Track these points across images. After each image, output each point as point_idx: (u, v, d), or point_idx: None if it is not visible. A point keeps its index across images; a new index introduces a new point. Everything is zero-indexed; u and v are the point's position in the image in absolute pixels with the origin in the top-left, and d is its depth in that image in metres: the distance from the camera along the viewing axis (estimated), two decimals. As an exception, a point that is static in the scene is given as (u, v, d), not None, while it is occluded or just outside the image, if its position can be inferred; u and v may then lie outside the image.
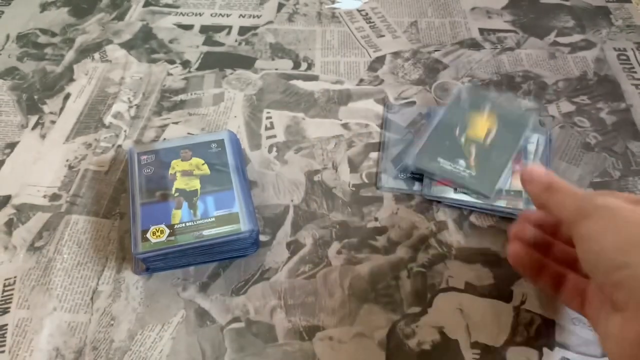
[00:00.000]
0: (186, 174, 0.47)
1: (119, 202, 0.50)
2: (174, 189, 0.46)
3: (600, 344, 0.39)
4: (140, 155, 0.48)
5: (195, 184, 0.46)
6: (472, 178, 0.48)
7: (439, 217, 0.48)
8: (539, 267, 0.38)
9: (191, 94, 0.60)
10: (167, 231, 0.43)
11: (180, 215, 0.44)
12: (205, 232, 0.42)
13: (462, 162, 0.49)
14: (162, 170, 0.47)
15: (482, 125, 0.52)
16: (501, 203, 0.47)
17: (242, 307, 0.43)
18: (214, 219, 0.43)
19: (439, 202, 0.49)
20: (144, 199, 0.45)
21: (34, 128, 0.57)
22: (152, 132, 0.56)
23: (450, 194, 0.49)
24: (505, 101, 0.55)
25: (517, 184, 0.48)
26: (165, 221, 0.43)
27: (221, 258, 0.45)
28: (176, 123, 0.57)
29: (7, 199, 0.51)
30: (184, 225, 0.43)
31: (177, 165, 0.47)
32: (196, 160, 0.48)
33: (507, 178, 0.48)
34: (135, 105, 0.59)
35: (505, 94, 0.59)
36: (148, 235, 0.42)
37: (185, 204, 0.44)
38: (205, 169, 0.47)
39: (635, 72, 0.61)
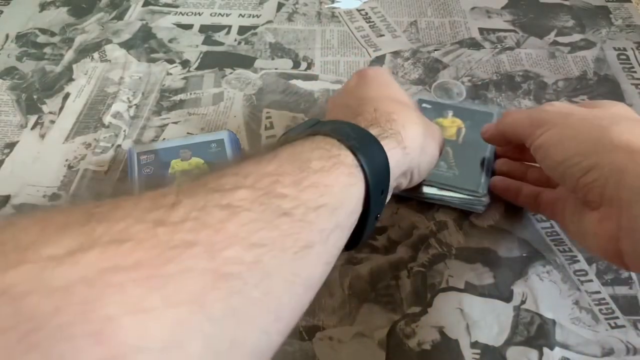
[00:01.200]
0: (187, 174, 0.48)
1: (118, 202, 0.50)
2: None
3: (577, 243, 0.44)
4: (140, 155, 0.49)
5: None
6: (457, 177, 0.48)
7: (439, 217, 0.48)
8: (517, 191, 0.44)
9: (190, 94, 0.60)
10: None
11: None
12: None
13: (442, 163, 0.49)
14: (162, 170, 0.47)
15: (451, 127, 0.52)
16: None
17: (242, 307, 0.43)
18: None
19: (409, 199, 0.49)
20: None
21: (33, 128, 0.57)
22: (151, 131, 0.56)
23: (424, 189, 0.48)
24: (465, 104, 0.55)
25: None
26: None
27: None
28: (175, 123, 0.57)
29: (7, 199, 0.51)
30: None
31: (176, 165, 0.48)
32: (196, 161, 0.48)
33: (488, 172, 0.49)
34: (135, 105, 0.59)
35: (463, 100, 0.59)
36: None
37: None
38: (206, 169, 0.48)
39: (635, 72, 0.61)
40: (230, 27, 0.69)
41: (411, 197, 0.49)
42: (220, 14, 0.71)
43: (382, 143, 0.31)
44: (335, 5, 0.72)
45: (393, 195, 0.50)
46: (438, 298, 0.43)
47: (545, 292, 0.43)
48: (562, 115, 0.32)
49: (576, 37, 0.66)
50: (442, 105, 0.55)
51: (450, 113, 0.54)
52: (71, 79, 0.62)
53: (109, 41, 0.67)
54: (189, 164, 0.48)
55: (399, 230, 0.48)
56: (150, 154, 0.49)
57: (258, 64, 0.63)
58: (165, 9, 0.71)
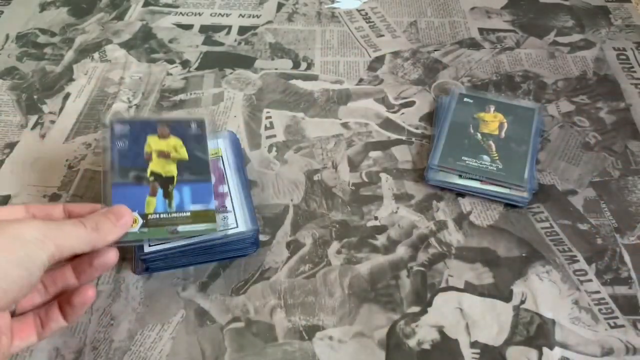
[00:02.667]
0: (163, 155, 0.43)
1: (118, 202, 0.50)
2: (149, 172, 0.42)
3: None
4: (114, 125, 0.43)
5: (172, 170, 0.42)
6: (500, 171, 0.49)
7: (438, 217, 0.48)
8: None
9: (191, 94, 0.60)
10: (141, 221, 0.39)
11: (154, 204, 0.40)
12: (180, 228, 0.40)
13: (485, 157, 0.50)
14: (137, 146, 0.42)
15: (493, 122, 0.53)
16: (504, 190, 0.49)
17: (242, 306, 0.43)
18: (189, 214, 0.41)
19: (442, 188, 0.50)
20: (117, 179, 0.41)
21: (33, 128, 0.57)
22: (151, 131, 0.56)
23: (455, 180, 0.49)
24: (504, 99, 0.56)
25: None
26: (138, 208, 0.40)
27: (221, 258, 0.45)
28: (176, 123, 0.57)
29: (7, 198, 0.51)
30: (157, 216, 0.40)
31: (153, 142, 0.43)
32: (174, 141, 0.43)
33: (533, 167, 0.50)
34: (135, 105, 0.59)
35: (503, 93, 0.59)
36: None
37: (160, 192, 0.41)
38: (184, 153, 0.43)
39: (635, 72, 0.62)
40: (230, 27, 0.69)
41: (451, 189, 0.50)
42: (220, 14, 0.71)
43: None
44: (335, 5, 0.72)
45: (393, 194, 0.50)
46: (438, 298, 0.43)
47: (544, 291, 0.43)
48: None
49: (576, 37, 0.66)
50: (484, 100, 0.56)
51: (492, 108, 0.54)
52: (71, 79, 0.62)
53: (109, 41, 0.67)
54: (167, 143, 0.43)
55: (398, 229, 0.48)
56: (125, 125, 0.43)
57: (258, 64, 0.63)
58: (166, 9, 0.71)
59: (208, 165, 0.43)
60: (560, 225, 0.48)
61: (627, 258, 0.45)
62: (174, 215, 0.40)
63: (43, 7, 0.72)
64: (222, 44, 0.66)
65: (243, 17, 0.70)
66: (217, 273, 0.45)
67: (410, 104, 0.58)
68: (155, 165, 0.42)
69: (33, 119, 0.58)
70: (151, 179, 0.41)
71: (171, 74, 0.62)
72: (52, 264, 0.29)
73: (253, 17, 0.70)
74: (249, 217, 0.44)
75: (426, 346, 0.41)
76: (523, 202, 0.48)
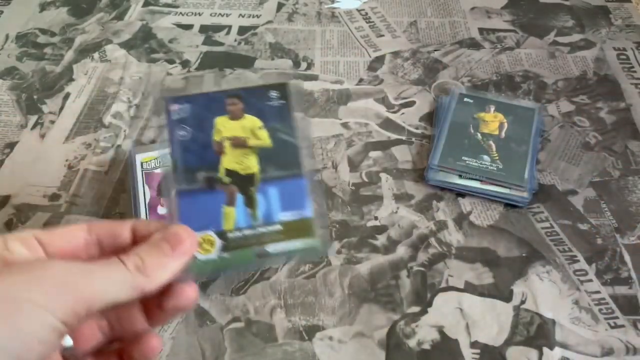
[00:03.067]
0: (238, 143, 0.30)
1: (118, 202, 0.50)
2: (222, 170, 0.30)
3: None
4: (169, 103, 0.31)
5: (252, 164, 0.30)
6: (500, 171, 0.49)
7: (438, 217, 0.48)
8: None
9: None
10: (218, 242, 0.28)
11: (234, 216, 0.29)
12: (271, 249, 0.28)
13: (486, 157, 0.50)
14: (203, 133, 0.30)
15: (493, 122, 0.53)
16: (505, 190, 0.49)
17: (242, 306, 0.43)
18: (280, 227, 0.29)
19: (442, 188, 0.50)
20: (182, 184, 0.29)
21: (33, 128, 0.57)
22: (151, 132, 0.56)
23: (455, 180, 0.49)
24: (507, 99, 0.56)
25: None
26: (213, 224, 0.28)
27: (221, 258, 0.45)
28: (176, 123, 0.57)
29: (7, 198, 0.51)
30: (240, 234, 0.28)
31: (223, 125, 0.31)
32: (250, 120, 0.31)
33: (533, 167, 0.50)
34: (135, 105, 0.59)
35: (503, 93, 0.59)
36: None
37: (240, 199, 0.29)
38: (265, 137, 0.30)
39: (635, 72, 0.61)
40: (230, 27, 0.69)
41: (451, 189, 0.50)
42: (220, 14, 0.71)
43: None
44: (335, 5, 0.72)
45: (393, 194, 0.50)
46: (438, 298, 0.43)
47: (545, 292, 0.43)
48: None
49: (576, 37, 0.66)
50: (484, 100, 0.56)
51: (492, 108, 0.55)
52: (71, 79, 0.62)
53: (109, 41, 0.67)
54: (242, 125, 0.30)
55: (398, 229, 0.48)
56: (184, 104, 0.31)
57: (258, 64, 0.63)
58: (165, 9, 0.71)
59: (298, 152, 0.30)
60: (560, 225, 0.48)
61: (627, 258, 0.45)
62: (261, 229, 0.29)
63: (43, 7, 0.72)
64: (222, 44, 0.66)
65: (243, 17, 0.70)
66: (217, 273, 0.45)
67: (411, 104, 0.58)
68: (230, 160, 0.30)
69: (33, 119, 0.58)
70: (226, 180, 0.30)
71: (171, 74, 0.62)
72: (75, 323, 0.22)
73: (253, 17, 0.70)
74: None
75: (426, 346, 0.41)
76: (523, 202, 0.48)
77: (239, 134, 0.30)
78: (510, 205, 0.49)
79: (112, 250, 0.26)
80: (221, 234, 0.28)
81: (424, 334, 0.41)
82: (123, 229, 0.27)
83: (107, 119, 0.57)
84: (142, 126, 0.57)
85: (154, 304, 0.26)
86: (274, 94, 0.32)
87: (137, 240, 0.26)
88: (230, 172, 0.30)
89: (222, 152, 0.30)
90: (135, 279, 0.24)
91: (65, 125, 0.57)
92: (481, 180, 0.49)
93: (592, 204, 0.49)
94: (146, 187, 0.47)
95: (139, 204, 0.45)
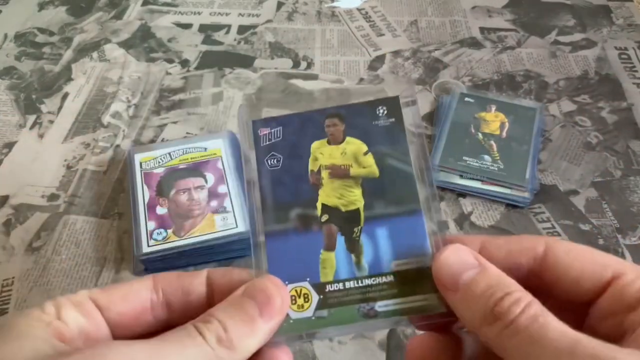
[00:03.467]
0: (338, 173, 0.25)
1: (117, 202, 0.50)
2: (319, 207, 0.24)
3: None
4: (257, 128, 0.26)
5: (356, 198, 0.24)
6: (501, 171, 0.49)
7: (439, 217, 0.48)
8: None
9: (190, 93, 0.60)
10: (315, 297, 0.23)
11: (333, 263, 0.23)
12: (381, 307, 0.22)
13: (487, 157, 0.50)
14: (297, 162, 0.25)
15: (494, 121, 0.53)
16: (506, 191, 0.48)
17: (242, 307, 0.43)
18: (392, 278, 0.23)
19: (443, 188, 0.49)
20: (272, 224, 0.24)
21: (32, 128, 0.57)
22: (150, 131, 0.56)
23: (456, 180, 0.49)
24: (505, 99, 0.56)
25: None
26: (309, 274, 0.23)
27: (220, 258, 0.45)
28: (175, 122, 0.57)
29: (5, 199, 0.50)
30: (341, 286, 0.23)
31: (320, 152, 0.25)
32: (354, 144, 0.25)
33: (534, 167, 0.49)
34: (134, 104, 0.59)
35: (504, 93, 0.59)
36: None
37: (341, 241, 0.24)
38: (371, 165, 0.25)
39: (637, 71, 0.61)
40: (229, 26, 0.68)
41: (452, 189, 0.49)
42: (219, 13, 0.71)
43: None
44: (335, 4, 0.72)
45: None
46: (439, 299, 0.43)
47: (546, 292, 0.43)
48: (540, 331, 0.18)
49: (577, 36, 0.66)
50: (485, 99, 0.55)
51: (494, 107, 0.54)
52: (70, 79, 0.62)
53: (107, 41, 0.66)
54: (342, 151, 0.25)
55: (399, 230, 0.47)
56: (275, 127, 0.26)
57: (258, 63, 0.63)
58: (165, 8, 0.71)
59: (413, 181, 0.24)
60: (561, 226, 0.47)
61: (629, 258, 0.45)
62: (368, 282, 0.23)
63: (41, 7, 0.72)
64: (221, 43, 0.66)
65: (242, 16, 0.70)
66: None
67: (413, 102, 0.58)
68: (329, 194, 0.24)
69: (31, 118, 0.58)
70: (324, 218, 0.24)
71: (170, 74, 0.62)
72: None
73: (252, 16, 0.70)
74: (248, 217, 0.43)
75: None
76: (524, 202, 0.48)
77: (340, 161, 0.25)
78: (511, 205, 0.49)
79: (183, 310, 0.22)
80: (318, 287, 0.23)
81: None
82: (196, 282, 0.22)
83: (106, 118, 0.57)
84: (141, 126, 0.56)
85: None
86: (381, 110, 0.26)
87: (214, 294, 0.22)
88: (328, 209, 0.24)
89: (320, 185, 0.24)
90: (218, 354, 0.19)
91: (63, 125, 0.57)
92: (482, 181, 0.49)
93: (593, 204, 0.49)
94: (145, 187, 0.47)
95: (137, 204, 0.45)
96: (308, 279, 0.23)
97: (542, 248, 0.21)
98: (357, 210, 0.24)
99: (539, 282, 0.21)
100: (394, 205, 0.24)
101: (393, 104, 0.26)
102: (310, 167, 0.25)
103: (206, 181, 0.47)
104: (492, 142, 0.51)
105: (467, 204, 0.49)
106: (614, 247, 0.46)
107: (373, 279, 0.23)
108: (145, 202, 0.46)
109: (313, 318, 0.22)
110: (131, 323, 0.21)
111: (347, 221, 0.24)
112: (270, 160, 0.25)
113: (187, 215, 0.45)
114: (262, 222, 0.24)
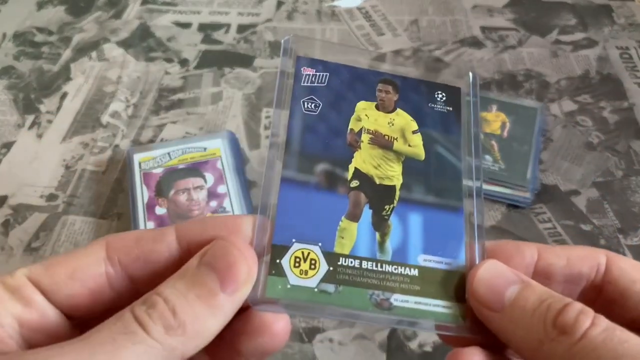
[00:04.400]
0: (380, 141, 0.22)
1: (116, 203, 0.49)
2: (351, 170, 0.21)
3: None
4: (302, 65, 0.23)
5: (394, 173, 0.22)
6: (502, 171, 0.49)
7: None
8: None
9: (189, 93, 0.59)
10: (323, 266, 0.19)
11: (354, 236, 0.20)
12: (397, 301, 0.19)
13: (487, 157, 0.50)
14: (338, 115, 0.22)
15: (495, 121, 0.53)
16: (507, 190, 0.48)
17: (241, 308, 0.42)
18: (416, 272, 0.20)
19: None
20: (291, 171, 0.21)
21: (30, 127, 0.56)
22: (149, 131, 0.56)
23: None
24: (506, 98, 0.56)
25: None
26: (322, 239, 0.20)
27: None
28: (174, 122, 0.56)
29: (4, 199, 0.50)
30: (357, 264, 0.20)
31: (366, 113, 0.23)
32: (404, 118, 0.23)
33: (535, 167, 0.49)
34: (133, 104, 0.58)
35: (504, 92, 0.58)
36: (285, 260, 0.19)
37: (368, 214, 0.21)
38: (418, 145, 0.22)
39: (638, 71, 0.61)
40: (229, 25, 0.68)
41: None
42: (219, 12, 0.70)
43: None
44: (335, 3, 0.71)
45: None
46: (439, 300, 0.43)
47: (547, 293, 0.43)
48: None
49: (578, 35, 0.65)
50: (486, 99, 0.55)
51: (495, 107, 0.54)
52: (69, 78, 0.61)
53: (106, 40, 0.66)
54: (390, 119, 0.23)
55: (399, 231, 0.47)
56: (322, 71, 0.23)
57: (257, 62, 0.63)
58: (164, 8, 0.71)
59: (459, 177, 0.22)
60: (563, 226, 0.47)
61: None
62: (388, 268, 0.20)
63: (40, 6, 0.72)
64: (221, 43, 0.66)
65: (242, 15, 0.70)
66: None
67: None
68: (365, 160, 0.22)
69: (30, 118, 0.57)
70: (354, 183, 0.21)
71: (169, 73, 0.62)
72: None
73: (252, 15, 0.70)
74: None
75: (427, 348, 0.40)
76: (525, 202, 0.48)
77: (385, 130, 0.22)
78: (512, 205, 0.48)
79: (149, 281, 0.18)
80: (330, 257, 0.19)
81: (425, 336, 0.41)
82: (161, 248, 0.18)
83: (105, 118, 0.57)
84: (140, 126, 0.56)
85: (226, 350, 0.18)
86: (440, 95, 0.24)
87: (191, 254, 0.18)
88: (361, 175, 0.21)
89: (357, 147, 0.22)
90: (169, 346, 0.15)
91: (62, 125, 0.56)
92: (483, 181, 0.49)
93: (594, 204, 0.49)
94: (144, 187, 0.46)
95: (137, 204, 0.45)
96: (320, 244, 0.19)
97: (604, 260, 0.20)
98: (393, 187, 0.21)
99: (597, 297, 0.20)
100: (434, 194, 0.21)
101: (454, 94, 0.24)
102: (350, 125, 0.22)
103: (205, 181, 0.47)
104: (493, 142, 0.51)
105: (467, 205, 0.49)
106: (616, 247, 0.46)
107: (395, 267, 0.20)
108: (145, 203, 0.45)
109: (316, 290, 0.19)
110: (86, 303, 0.18)
111: (379, 195, 0.21)
112: (308, 103, 0.22)
113: (186, 216, 0.44)
114: (281, 165, 0.20)
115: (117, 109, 0.58)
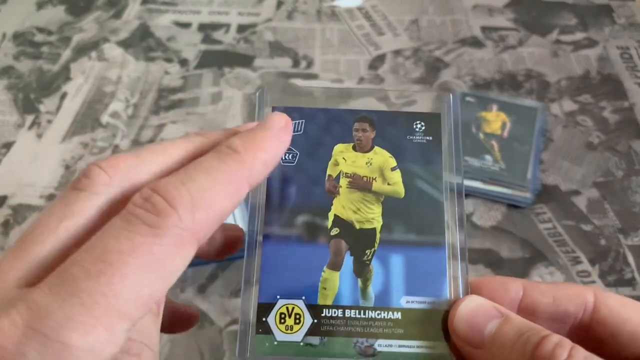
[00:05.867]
0: (359, 184, 0.22)
1: (116, 203, 0.49)
2: (330, 218, 0.21)
3: None
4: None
5: (374, 216, 0.22)
6: (503, 171, 0.48)
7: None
8: None
9: (189, 93, 0.59)
10: (309, 321, 0.20)
11: (336, 286, 0.21)
12: (381, 347, 0.20)
13: (488, 157, 0.50)
14: (315, 162, 0.22)
15: (495, 121, 0.53)
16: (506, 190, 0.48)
17: (241, 309, 0.42)
18: (399, 315, 0.20)
19: None
20: (273, 226, 0.21)
21: (30, 128, 0.56)
22: (149, 131, 0.56)
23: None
24: (507, 98, 0.55)
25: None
26: (305, 293, 0.20)
27: (221, 258, 0.45)
28: (174, 122, 0.56)
29: (3, 199, 0.50)
30: (341, 313, 0.20)
31: (343, 157, 0.22)
32: (382, 156, 0.23)
33: (536, 167, 0.49)
34: (133, 104, 0.58)
35: (505, 92, 0.58)
36: (271, 318, 0.20)
37: (349, 262, 0.21)
38: (397, 183, 0.22)
39: (639, 71, 0.61)
40: (229, 25, 0.68)
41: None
42: (219, 12, 0.70)
43: None
44: (335, 3, 0.71)
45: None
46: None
47: (548, 294, 0.43)
48: None
49: (579, 35, 0.65)
50: (487, 99, 0.55)
51: (495, 107, 0.54)
52: (68, 78, 0.61)
53: (106, 40, 0.66)
54: (367, 160, 0.22)
55: (400, 231, 0.47)
56: (298, 118, 0.23)
57: (257, 62, 0.63)
58: (164, 8, 0.71)
59: (442, 210, 0.22)
60: (563, 226, 0.47)
61: (630, 259, 0.45)
62: (371, 314, 0.20)
63: (40, 6, 0.71)
64: (220, 43, 0.66)
65: (242, 15, 0.70)
66: (216, 275, 0.44)
67: (412, 103, 0.57)
68: (344, 205, 0.22)
69: (30, 118, 0.57)
70: (334, 231, 0.21)
71: (169, 73, 0.62)
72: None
73: (252, 15, 0.70)
74: (248, 218, 0.43)
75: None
76: (526, 202, 0.48)
77: (363, 171, 0.22)
78: (512, 205, 0.48)
79: None
80: (314, 309, 0.20)
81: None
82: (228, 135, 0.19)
83: (105, 118, 0.57)
84: (139, 126, 0.56)
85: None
86: (419, 125, 0.24)
87: None
88: (341, 222, 0.21)
89: (336, 193, 0.22)
90: (233, 162, 0.16)
91: (62, 125, 0.56)
92: (483, 181, 0.49)
93: (595, 204, 0.49)
94: (144, 188, 0.46)
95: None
96: (303, 298, 0.20)
97: (592, 298, 0.19)
98: (374, 230, 0.21)
99: (586, 335, 0.19)
100: (415, 232, 0.21)
101: (433, 122, 0.23)
102: (328, 172, 0.22)
103: (205, 181, 0.47)
104: (494, 142, 0.51)
105: (468, 205, 0.49)
106: (616, 247, 0.46)
107: (378, 312, 0.20)
108: (144, 203, 0.45)
109: (301, 344, 0.19)
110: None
111: (359, 240, 0.21)
112: (286, 155, 0.22)
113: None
114: (263, 222, 0.21)
115: (117, 109, 0.58)
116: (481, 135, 0.52)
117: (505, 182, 0.48)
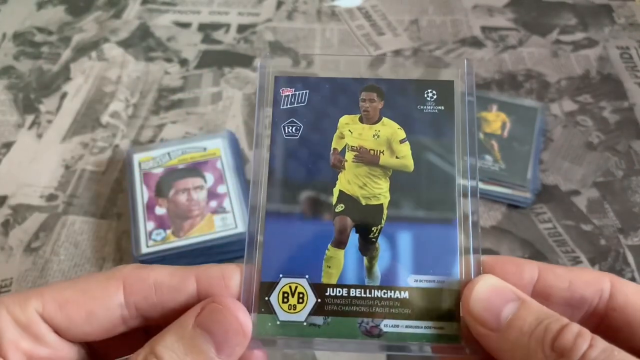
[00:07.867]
0: (365, 158, 0.21)
1: (116, 203, 0.49)
2: (335, 193, 0.20)
3: None
4: (281, 86, 0.23)
5: (381, 192, 0.21)
6: (503, 171, 0.48)
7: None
8: None
9: (189, 93, 0.59)
10: (313, 300, 0.19)
11: (341, 264, 0.20)
12: (387, 327, 0.19)
13: (488, 157, 0.49)
14: (320, 135, 0.21)
15: (495, 121, 0.53)
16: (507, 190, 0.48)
17: (241, 309, 0.42)
18: (406, 295, 0.19)
19: None
20: (276, 202, 0.20)
21: (30, 127, 0.56)
22: (149, 131, 0.56)
23: None
24: (507, 98, 0.55)
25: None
26: (309, 272, 0.20)
27: (220, 259, 0.45)
28: (174, 122, 0.56)
29: (3, 199, 0.50)
30: (345, 294, 0.19)
31: (349, 129, 0.21)
32: (390, 128, 0.21)
33: (536, 167, 0.49)
34: (133, 104, 0.58)
35: (505, 92, 0.58)
36: (273, 297, 0.19)
37: (354, 239, 0.20)
38: (406, 156, 0.21)
39: (639, 71, 0.61)
40: (229, 25, 0.68)
41: None
42: (219, 12, 0.70)
43: None
44: (335, 3, 0.71)
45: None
46: (439, 300, 0.43)
47: (548, 294, 0.43)
48: None
49: (579, 35, 0.65)
50: (487, 99, 0.55)
51: (495, 107, 0.54)
52: (68, 78, 0.61)
53: (106, 40, 0.66)
54: (376, 133, 0.21)
55: (400, 231, 0.47)
56: (302, 89, 0.23)
57: (257, 62, 0.63)
58: (164, 7, 0.71)
59: (453, 185, 0.20)
60: (563, 226, 0.47)
61: (630, 259, 0.45)
62: (377, 293, 0.19)
63: (40, 6, 0.71)
64: (220, 43, 0.66)
65: (242, 15, 0.70)
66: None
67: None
68: (350, 180, 0.21)
69: (30, 118, 0.57)
70: (339, 208, 0.20)
71: (169, 73, 0.62)
72: None
73: (252, 15, 0.70)
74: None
75: (428, 349, 0.40)
76: (526, 202, 0.48)
77: (370, 144, 0.21)
78: (512, 205, 0.48)
79: (163, 318, 0.19)
80: (318, 288, 0.19)
81: (425, 336, 0.41)
82: (183, 294, 0.18)
83: (105, 118, 0.57)
84: (139, 126, 0.56)
85: None
86: (430, 94, 0.22)
87: (200, 294, 0.18)
88: (346, 198, 0.20)
89: (342, 168, 0.20)
90: None
91: (62, 125, 0.56)
92: (483, 181, 0.49)
93: (595, 204, 0.49)
94: (144, 187, 0.46)
95: (136, 204, 0.45)
96: (307, 277, 0.19)
97: (608, 285, 0.19)
98: (380, 206, 0.20)
99: (600, 323, 0.19)
100: (424, 208, 0.20)
101: (446, 90, 0.22)
102: (333, 145, 0.21)
103: (205, 181, 0.47)
104: (494, 142, 0.51)
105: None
106: (616, 247, 0.46)
107: (384, 291, 0.19)
108: (144, 203, 0.45)
109: (305, 324, 0.19)
110: (100, 336, 0.19)
111: (366, 217, 0.20)
112: (288, 128, 0.21)
113: (186, 216, 0.44)
114: (265, 199, 0.20)
115: (116, 109, 0.58)
116: (481, 135, 0.52)
117: (505, 182, 0.48)
